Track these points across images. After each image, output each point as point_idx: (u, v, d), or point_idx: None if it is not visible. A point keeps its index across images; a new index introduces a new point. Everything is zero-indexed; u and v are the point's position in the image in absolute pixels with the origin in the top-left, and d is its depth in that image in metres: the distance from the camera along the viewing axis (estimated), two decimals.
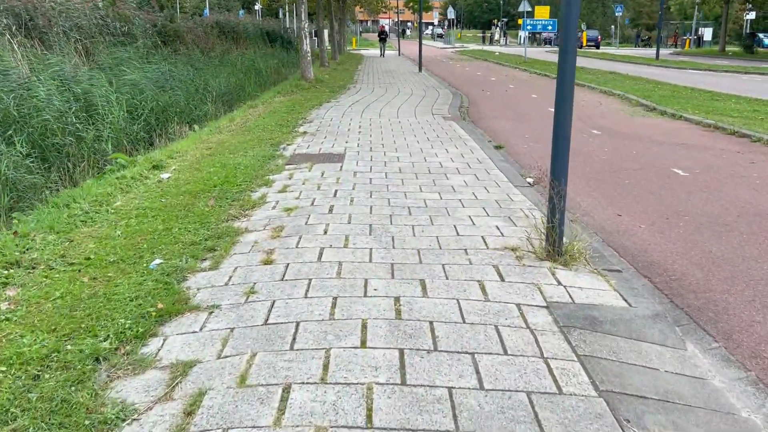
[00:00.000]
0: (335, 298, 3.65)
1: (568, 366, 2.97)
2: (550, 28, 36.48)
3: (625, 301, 3.80)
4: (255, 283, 3.91)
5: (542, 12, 35.75)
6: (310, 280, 3.93)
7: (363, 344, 3.10)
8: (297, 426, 2.48)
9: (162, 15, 21.50)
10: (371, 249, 4.51)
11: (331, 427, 2.48)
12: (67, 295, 3.79)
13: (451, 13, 68.79)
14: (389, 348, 3.07)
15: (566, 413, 2.60)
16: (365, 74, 24.17)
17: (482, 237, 4.81)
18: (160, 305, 3.63)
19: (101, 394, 2.77)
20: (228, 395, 2.70)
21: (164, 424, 2.55)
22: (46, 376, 2.89)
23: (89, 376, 2.91)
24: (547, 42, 62.28)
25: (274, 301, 3.63)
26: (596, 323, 3.48)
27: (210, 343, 3.18)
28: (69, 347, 3.15)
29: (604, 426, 2.54)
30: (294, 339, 3.16)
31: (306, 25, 19.12)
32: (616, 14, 55.32)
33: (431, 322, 3.35)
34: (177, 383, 2.84)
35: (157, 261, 4.33)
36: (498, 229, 5.03)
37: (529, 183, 6.88)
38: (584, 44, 51.54)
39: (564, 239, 4.39)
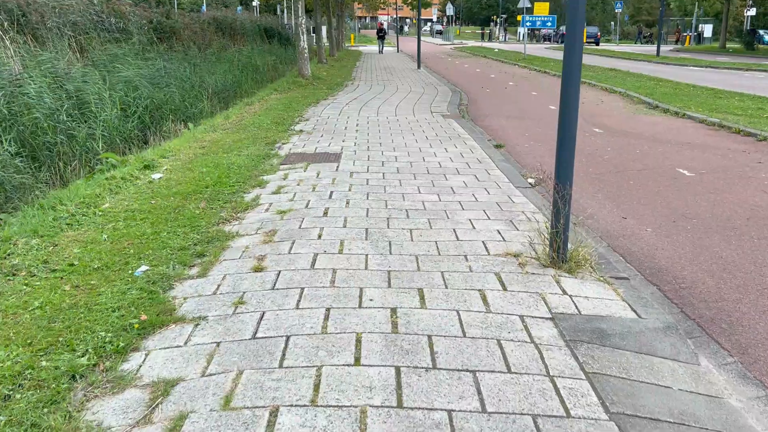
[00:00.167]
0: (328, 310, 3.45)
1: (575, 385, 2.78)
2: (549, 24, 36.21)
3: (634, 311, 3.61)
4: (244, 293, 3.71)
5: (542, 8, 35.47)
6: (303, 289, 3.74)
7: (357, 361, 2.91)
8: None
9: (158, 11, 21.26)
10: (367, 255, 4.31)
11: None
12: (47, 305, 3.60)
13: (449, 10, 68.40)
14: (385, 365, 2.87)
15: None
16: (363, 71, 23.95)
17: (483, 242, 4.61)
18: (143, 316, 3.44)
19: (76, 416, 2.58)
20: (211, 419, 2.51)
21: None
22: (17, 396, 2.70)
23: (64, 395, 2.72)
24: (547, 38, 61.98)
25: (263, 313, 3.43)
26: (604, 336, 3.29)
27: (194, 359, 2.99)
28: (44, 363, 2.96)
29: None
30: (283, 355, 2.97)
31: (303, 22, 18.90)
32: (616, 11, 55.04)
33: (430, 336, 3.16)
34: (157, 404, 2.65)
35: (143, 268, 4.14)
36: (499, 233, 4.83)
37: (530, 184, 6.69)
38: (584, 41, 51.20)
39: (568, 244, 4.20)
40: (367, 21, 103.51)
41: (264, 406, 2.57)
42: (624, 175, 7.46)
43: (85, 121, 10.16)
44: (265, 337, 3.16)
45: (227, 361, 2.95)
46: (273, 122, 10.60)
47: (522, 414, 2.55)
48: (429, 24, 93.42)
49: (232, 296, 3.67)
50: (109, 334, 3.23)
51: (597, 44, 52.59)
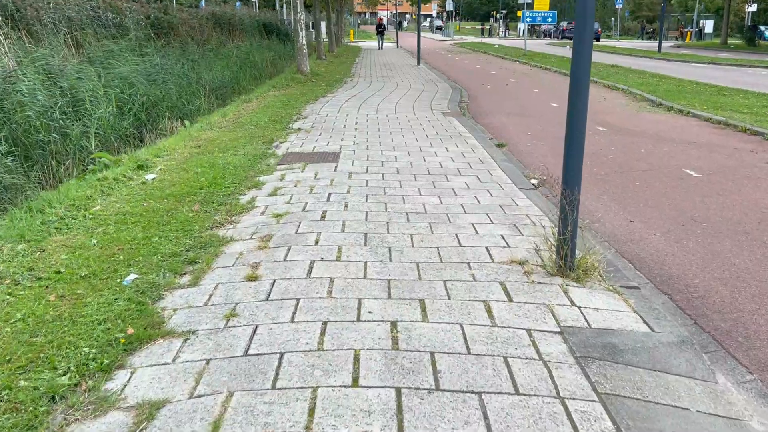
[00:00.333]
0: (325, 323, 3.27)
1: (588, 408, 2.61)
2: (549, 20, 35.99)
3: (646, 324, 3.44)
4: (237, 304, 3.54)
5: (542, 4, 35.21)
6: (298, 300, 3.56)
7: (355, 382, 2.73)
8: None
9: (156, 6, 21.02)
10: (366, 263, 4.14)
11: None
12: (30, 317, 3.42)
13: (449, 5, 68.07)
14: (385, 387, 2.70)
15: None
16: (363, 67, 23.73)
17: (486, 248, 4.44)
18: (130, 330, 3.26)
19: None
20: None
21: None
22: None
23: (42, 420, 2.55)
24: (547, 34, 61.65)
25: (256, 327, 3.26)
26: (616, 352, 3.11)
27: (182, 379, 2.81)
28: (23, 383, 2.78)
29: None
30: (276, 375, 2.79)
31: (302, 17, 18.68)
32: (617, 6, 54.76)
33: (432, 353, 2.98)
34: (141, 430, 2.47)
35: (132, 276, 3.96)
36: (503, 238, 4.66)
37: (533, 185, 6.51)
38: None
39: (576, 251, 4.02)
40: (367, 17, 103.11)
41: None
42: (629, 175, 7.28)
43: (80, 119, 9.97)
44: (258, 354, 2.98)
45: (217, 381, 2.78)
46: (270, 120, 10.41)
47: None
48: (429, 20, 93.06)
49: (224, 308, 3.50)
50: (93, 350, 3.05)
51: (597, 40, 52.29)
